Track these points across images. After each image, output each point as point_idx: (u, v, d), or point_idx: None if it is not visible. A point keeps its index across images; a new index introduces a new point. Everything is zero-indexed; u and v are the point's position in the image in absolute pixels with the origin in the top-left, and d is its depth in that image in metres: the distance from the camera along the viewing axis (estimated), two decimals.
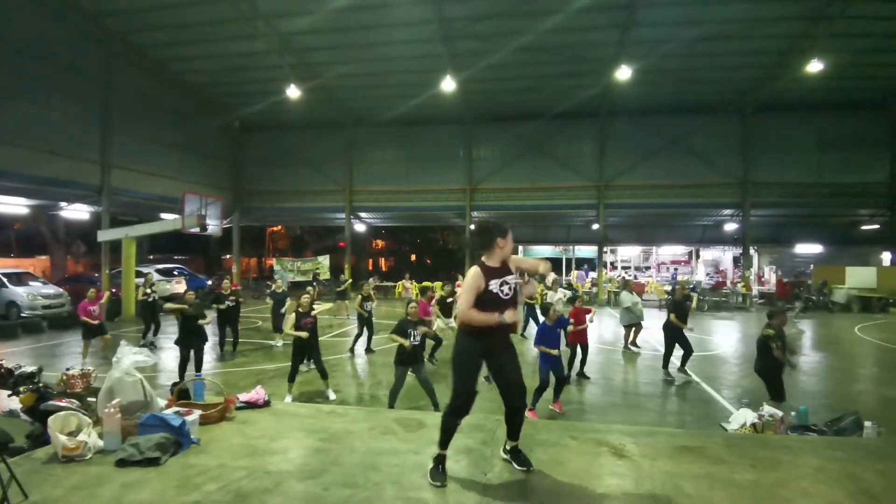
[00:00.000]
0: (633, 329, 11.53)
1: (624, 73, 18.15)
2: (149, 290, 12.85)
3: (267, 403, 5.09)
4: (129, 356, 4.32)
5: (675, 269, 31.97)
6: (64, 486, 3.33)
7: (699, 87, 21.26)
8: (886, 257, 23.71)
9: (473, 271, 3.55)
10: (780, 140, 22.17)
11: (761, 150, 22.33)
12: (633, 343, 11.59)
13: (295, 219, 34.62)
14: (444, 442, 3.55)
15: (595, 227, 25.25)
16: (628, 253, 33.82)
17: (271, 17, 17.41)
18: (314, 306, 7.56)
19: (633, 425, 6.24)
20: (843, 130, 21.70)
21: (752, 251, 25.37)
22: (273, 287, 13.01)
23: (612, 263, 33.33)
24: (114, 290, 18.36)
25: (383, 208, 27.03)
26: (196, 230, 17.27)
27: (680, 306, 9.18)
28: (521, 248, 34.26)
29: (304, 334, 7.17)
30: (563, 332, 7.33)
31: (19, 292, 16.17)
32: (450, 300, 10.76)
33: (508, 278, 3.56)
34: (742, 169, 22.61)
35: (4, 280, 16.32)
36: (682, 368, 9.05)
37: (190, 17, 17.41)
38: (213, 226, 18.22)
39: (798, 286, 22.64)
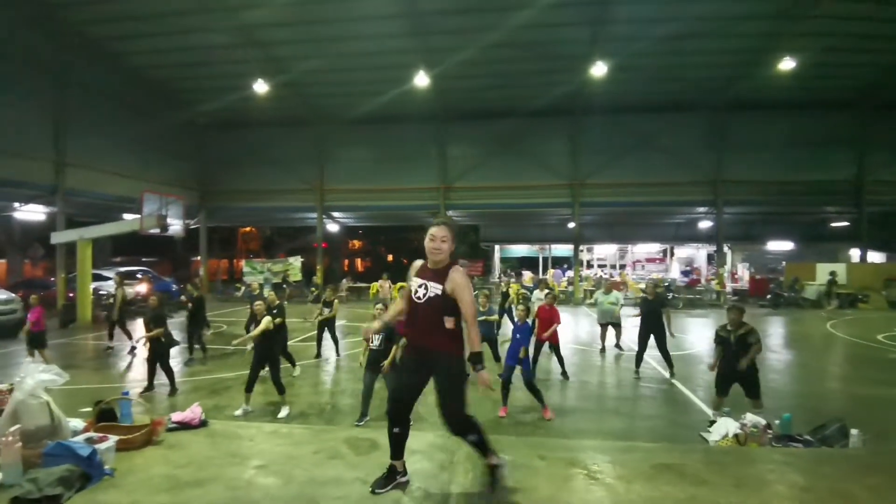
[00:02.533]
0: (613, 329, 11.22)
1: (598, 70, 17.97)
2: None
3: (203, 423, 4.56)
4: (33, 375, 3.75)
5: (640, 268, 32.13)
6: None
7: (672, 85, 21.20)
8: (855, 254, 24.04)
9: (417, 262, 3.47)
10: (752, 138, 22.26)
11: (733, 147, 22.41)
12: (618, 345, 11.25)
13: (265, 219, 33.78)
14: (392, 452, 3.37)
15: (570, 225, 25.08)
16: (604, 251, 33.90)
17: (235, 8, 16.70)
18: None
19: (608, 435, 5.97)
20: (813, 128, 21.87)
21: (725, 248, 25.50)
22: (248, 288, 12.48)
23: (588, 262, 33.37)
24: (70, 295, 17.54)
25: (356, 208, 26.46)
26: (156, 231, 16.48)
27: (655, 308, 8.89)
28: (496, 247, 34.13)
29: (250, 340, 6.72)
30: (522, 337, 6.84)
31: None
32: None
33: (430, 283, 3.25)
34: (715, 167, 22.65)
35: None
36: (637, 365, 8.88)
37: (149, 8, 16.61)
38: (175, 226, 17.42)
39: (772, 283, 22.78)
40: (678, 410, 7.22)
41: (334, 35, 18.04)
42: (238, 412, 6.75)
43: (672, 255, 32.55)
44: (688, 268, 30.71)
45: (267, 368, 6.93)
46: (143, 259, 35.69)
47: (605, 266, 33.49)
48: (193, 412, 4.61)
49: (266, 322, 6.85)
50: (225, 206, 27.00)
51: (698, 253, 31.42)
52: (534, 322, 8.04)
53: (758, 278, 24.33)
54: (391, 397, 3.42)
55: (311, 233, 28.14)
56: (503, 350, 8.34)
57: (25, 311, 14.32)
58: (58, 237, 16.81)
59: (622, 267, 33.24)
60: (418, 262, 3.44)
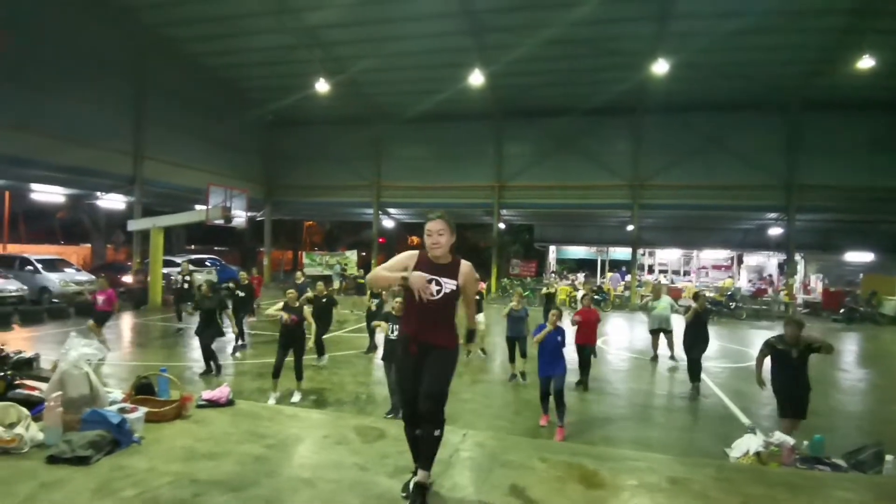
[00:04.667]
0: (664, 337, 10.81)
1: (660, 68, 17.30)
2: (181, 279, 13.21)
3: (230, 402, 4.85)
4: (77, 348, 4.13)
5: (705, 275, 30.60)
6: None
7: (740, 83, 20.05)
8: None
9: (408, 252, 3.35)
10: (829, 140, 20.72)
11: (808, 150, 20.96)
12: (672, 356, 10.83)
13: (325, 213, 34.92)
14: (415, 457, 3.23)
15: (629, 227, 24.35)
16: (667, 256, 32.63)
17: (298, 10, 17.40)
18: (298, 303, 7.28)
19: (635, 444, 5.79)
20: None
21: (797, 258, 23.95)
22: (295, 278, 13.02)
23: (649, 267, 32.27)
24: (142, 279, 18.84)
25: (411, 204, 26.84)
26: (220, 222, 17.43)
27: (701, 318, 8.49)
28: (552, 247, 33.62)
29: (284, 315, 6.93)
30: (561, 342, 6.56)
31: (52, 278, 16.68)
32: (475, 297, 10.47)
33: (444, 280, 3.13)
34: (787, 170, 21.31)
35: (38, 266, 16.86)
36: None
37: (220, 11, 17.60)
38: (239, 218, 18.36)
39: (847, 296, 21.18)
40: (721, 425, 6.85)
41: (392, 34, 18.41)
42: (270, 401, 6.94)
43: (741, 262, 30.88)
44: (753, 277, 29.10)
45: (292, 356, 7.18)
46: (215, 248, 37.85)
47: (666, 271, 32.24)
48: (222, 391, 4.91)
49: (310, 318, 7.14)
50: (288, 200, 28.13)
51: (769, 261, 29.65)
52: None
53: (832, 290, 22.66)
54: (403, 399, 3.30)
55: (369, 228, 28.82)
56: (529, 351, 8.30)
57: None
58: (133, 225, 18.11)
59: (686, 273, 31.91)
60: (411, 254, 3.28)
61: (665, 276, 30.46)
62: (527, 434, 5.95)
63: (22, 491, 3.08)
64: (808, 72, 18.70)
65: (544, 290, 13.04)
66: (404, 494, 3.11)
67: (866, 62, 15.55)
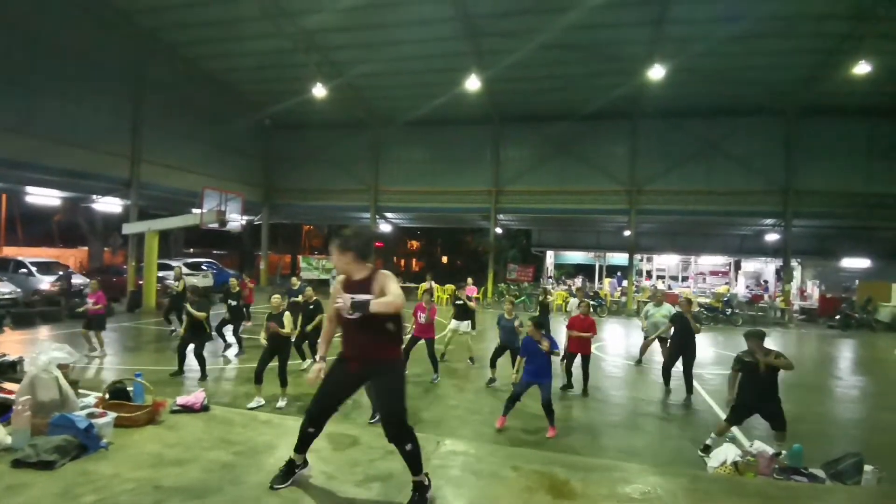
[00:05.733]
0: (660, 345, 10.71)
1: (657, 73, 17.28)
2: (174, 284, 13.14)
3: (205, 408, 4.81)
4: (47, 352, 4.10)
5: (702, 281, 30.49)
6: None
7: (738, 88, 20.01)
8: None
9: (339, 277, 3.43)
10: (826, 146, 20.68)
11: (805, 156, 20.91)
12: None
13: (323, 217, 34.90)
14: (297, 446, 3.43)
15: (626, 233, 24.30)
16: (665, 262, 32.55)
17: (295, 14, 17.38)
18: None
19: (619, 453, 5.71)
20: (894, 136, 20.02)
21: (794, 263, 23.89)
22: (290, 283, 12.98)
23: (647, 272, 32.19)
24: (139, 283, 18.79)
25: (408, 209, 26.83)
26: (215, 225, 17.41)
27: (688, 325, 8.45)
28: (549, 252, 33.56)
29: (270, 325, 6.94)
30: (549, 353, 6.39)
31: (45, 280, 16.63)
32: (458, 302, 10.38)
33: (358, 296, 3.12)
34: (784, 176, 21.25)
35: (32, 268, 16.83)
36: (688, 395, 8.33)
37: (217, 15, 17.59)
38: (234, 222, 18.34)
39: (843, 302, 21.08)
40: (708, 434, 6.76)
41: (389, 39, 18.41)
42: (251, 405, 6.87)
43: (738, 268, 30.81)
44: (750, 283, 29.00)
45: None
46: (213, 252, 37.84)
47: (664, 277, 32.15)
48: (196, 397, 4.87)
49: (289, 324, 7.06)
50: (286, 204, 28.12)
51: (766, 267, 29.56)
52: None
53: (828, 297, 22.57)
54: (319, 401, 3.37)
55: None
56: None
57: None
58: (129, 228, 18.08)
59: (684, 279, 31.82)
60: (341, 278, 3.36)
61: (663, 282, 30.36)
62: (511, 441, 5.90)
63: None
64: (805, 77, 18.66)
65: (540, 298, 12.87)
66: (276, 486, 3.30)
67: (863, 68, 15.51)
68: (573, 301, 11.04)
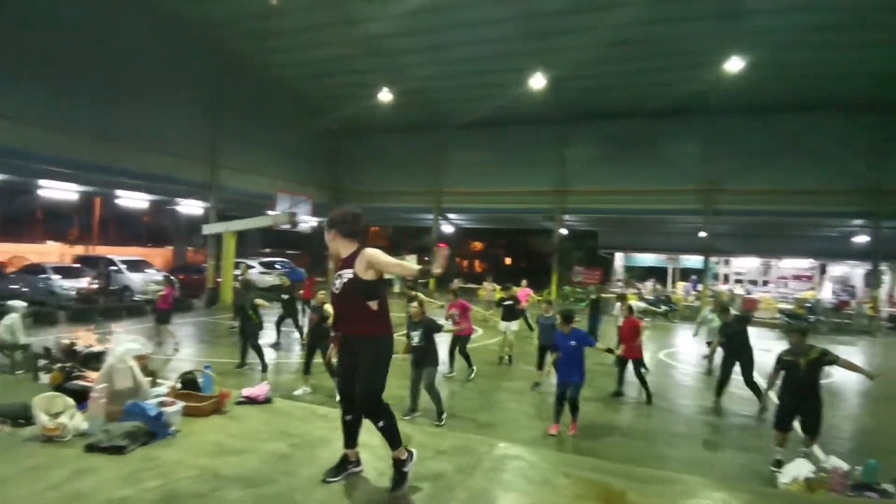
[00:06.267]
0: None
1: (732, 66, 16.34)
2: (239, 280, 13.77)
3: (268, 400, 4.97)
4: (122, 344, 4.37)
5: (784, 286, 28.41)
6: (22, 466, 3.37)
7: (821, 82, 18.58)
8: None
9: None
10: None
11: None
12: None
13: (387, 219, 35.51)
14: (344, 440, 3.47)
15: (701, 234, 23.13)
16: (744, 265, 30.74)
17: (360, 21, 17.83)
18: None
19: (679, 463, 5.40)
20: None
21: (883, 267, 21.89)
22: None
23: (725, 276, 30.52)
24: (217, 280, 19.85)
25: (471, 210, 26.86)
26: (287, 226, 18.12)
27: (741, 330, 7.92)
28: (618, 254, 32.47)
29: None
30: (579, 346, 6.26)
31: (134, 278, 17.93)
32: (508, 303, 10.26)
33: (343, 272, 3.28)
34: (873, 174, 19.47)
35: (122, 267, 18.17)
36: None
37: (288, 25, 18.37)
38: (304, 222, 19.02)
39: None
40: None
41: (452, 42, 18.52)
42: (297, 392, 7.30)
43: (824, 272, 28.57)
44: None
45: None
46: (286, 251, 39.45)
47: (742, 281, 30.33)
48: (261, 389, 5.04)
49: (330, 315, 7.27)
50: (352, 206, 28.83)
51: (855, 271, 27.23)
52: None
53: None
54: (338, 386, 3.60)
55: (429, 233, 29.07)
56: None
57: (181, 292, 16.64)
58: (207, 229, 19.16)
59: (765, 283, 29.91)
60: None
61: (741, 286, 28.65)
62: (559, 446, 5.77)
63: (54, 477, 3.25)
64: (893, 69, 16.99)
65: (593, 296, 12.50)
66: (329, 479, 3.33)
67: None
68: (618, 306, 10.55)
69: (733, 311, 8.38)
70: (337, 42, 18.89)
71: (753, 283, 30.11)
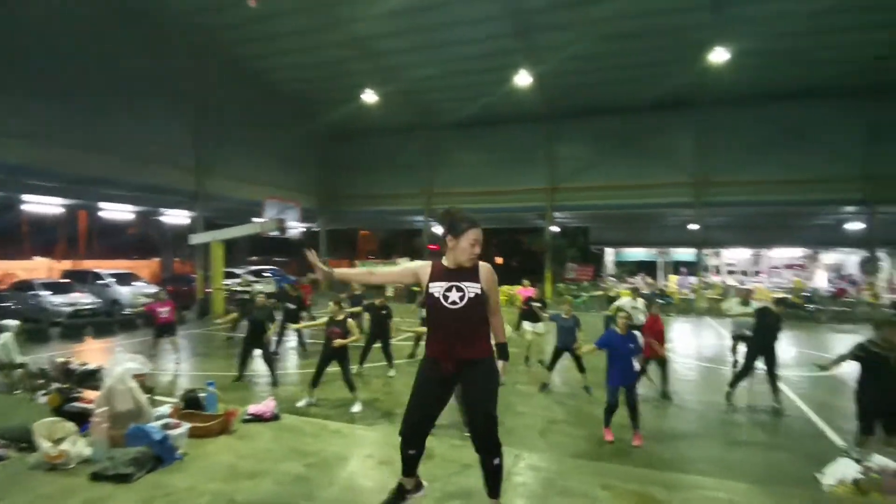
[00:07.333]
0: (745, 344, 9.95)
1: (721, 57, 16.32)
2: (240, 290, 13.48)
3: (275, 417, 4.73)
4: (121, 363, 4.12)
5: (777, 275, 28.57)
6: (30, 496, 3.15)
7: (812, 69, 18.61)
8: None
9: (420, 262, 3.11)
10: None
11: (889, 138, 19.16)
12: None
13: (378, 222, 35.32)
14: (403, 469, 3.07)
15: (693, 227, 23.15)
16: (736, 256, 30.88)
17: (347, 21, 17.59)
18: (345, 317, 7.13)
19: (711, 464, 5.22)
20: None
21: (880, 254, 22.03)
22: (353, 289, 13.15)
23: (715, 268, 30.62)
24: (207, 290, 19.48)
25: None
26: (276, 233, 17.79)
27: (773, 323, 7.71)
28: (610, 250, 32.51)
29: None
30: (634, 350, 6.04)
31: (123, 291, 17.52)
32: (536, 304, 10.07)
33: (465, 284, 2.87)
34: (866, 160, 19.59)
35: (110, 280, 17.75)
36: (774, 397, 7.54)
37: (275, 28, 18.11)
38: (293, 229, 18.71)
39: None
40: (807, 444, 6.09)
41: (441, 41, 18.35)
42: (301, 403, 6.88)
43: (816, 260, 28.76)
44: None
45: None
46: (275, 259, 38.99)
47: (734, 272, 30.46)
48: (267, 405, 4.81)
49: (354, 330, 7.01)
50: (343, 210, 28.58)
51: (848, 259, 27.44)
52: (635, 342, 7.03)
53: None
54: (410, 419, 2.96)
55: (420, 236, 28.88)
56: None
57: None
58: (194, 239, 18.76)
59: (756, 273, 30.04)
60: (423, 264, 3.05)
61: (733, 278, 28.78)
62: (588, 453, 5.48)
63: None
64: (885, 54, 17.08)
65: (611, 293, 12.29)
66: None
67: None
68: (625, 301, 10.33)
69: (765, 304, 8.12)
70: (325, 44, 18.64)
71: (745, 273, 30.24)
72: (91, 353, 11.54)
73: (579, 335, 8.00)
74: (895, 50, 16.71)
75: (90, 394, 5.13)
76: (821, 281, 26.68)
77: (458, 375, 2.90)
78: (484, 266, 2.96)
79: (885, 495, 3.63)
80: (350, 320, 7.02)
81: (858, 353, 4.80)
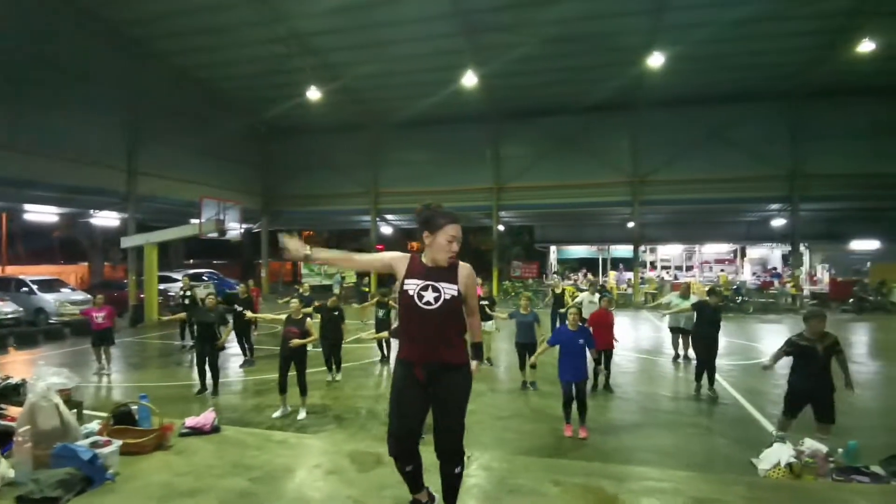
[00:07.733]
0: (682, 337, 10.43)
1: (656, 61, 17.03)
2: (184, 294, 12.88)
3: (215, 429, 4.53)
4: (44, 378, 3.82)
5: (708, 270, 30.16)
6: None
7: (741, 74, 19.76)
8: None
9: (399, 253, 2.96)
10: (832, 128, 20.41)
11: (811, 139, 20.65)
12: (686, 355, 10.43)
13: (324, 222, 34.62)
14: (409, 488, 2.96)
15: (630, 224, 24.04)
16: (669, 252, 32.31)
17: (288, 17, 17.13)
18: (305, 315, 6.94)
19: (653, 453, 5.42)
20: None
21: (802, 248, 23.62)
22: (300, 290, 12.87)
23: (651, 263, 31.91)
24: (140, 296, 18.51)
25: (409, 210, 26.47)
26: (214, 234, 17.13)
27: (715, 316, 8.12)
28: (553, 248, 33.26)
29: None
30: (586, 345, 6.21)
31: (47, 299, 16.36)
32: (484, 303, 10.05)
33: (442, 285, 2.75)
34: (790, 160, 21.01)
35: (34, 287, 16.56)
36: (710, 387, 7.96)
37: (210, 23, 17.35)
38: (233, 230, 18.06)
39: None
40: (740, 429, 6.43)
41: (385, 39, 18.15)
42: (276, 414, 6.68)
43: (744, 255, 30.54)
44: (757, 269, 28.72)
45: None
46: (213, 262, 37.55)
47: (669, 268, 31.89)
48: (206, 418, 4.59)
49: (313, 330, 6.85)
50: (285, 211, 27.86)
51: (772, 253, 29.29)
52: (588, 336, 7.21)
53: (839, 280, 22.30)
54: (395, 434, 2.79)
55: (367, 235, 28.56)
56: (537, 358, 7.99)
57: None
58: (127, 241, 17.81)
59: (689, 269, 31.56)
60: (402, 256, 2.91)
61: (668, 273, 30.12)
62: (540, 448, 5.58)
63: None
64: (809, 59, 18.35)
65: (556, 290, 12.58)
66: None
67: (867, 46, 15.27)
68: (583, 295, 10.73)
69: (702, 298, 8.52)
70: (263, 40, 18.02)
71: (678, 268, 31.70)
72: (14, 365, 10.75)
73: (538, 330, 8.14)
74: (818, 54, 17.93)
75: (13, 410, 4.74)
76: (747, 274, 28.33)
77: (430, 381, 2.76)
78: (464, 266, 2.85)
79: (817, 478, 3.87)
80: (309, 320, 6.84)
81: (788, 349, 5.17)
